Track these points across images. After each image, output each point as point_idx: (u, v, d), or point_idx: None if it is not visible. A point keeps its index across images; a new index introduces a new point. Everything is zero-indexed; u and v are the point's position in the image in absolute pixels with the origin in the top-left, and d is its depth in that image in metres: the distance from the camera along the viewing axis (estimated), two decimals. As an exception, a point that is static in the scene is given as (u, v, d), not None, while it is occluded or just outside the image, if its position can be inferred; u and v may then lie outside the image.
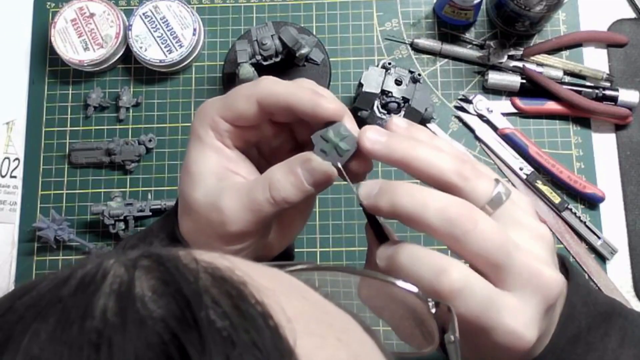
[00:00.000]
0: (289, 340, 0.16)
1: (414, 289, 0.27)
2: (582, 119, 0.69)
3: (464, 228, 0.29)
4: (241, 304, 0.16)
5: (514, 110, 0.69)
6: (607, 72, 0.70)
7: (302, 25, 0.72)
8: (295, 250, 0.51)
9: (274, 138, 0.37)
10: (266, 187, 0.33)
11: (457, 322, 0.28)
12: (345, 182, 0.33)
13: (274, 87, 0.33)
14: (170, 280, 0.16)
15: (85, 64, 0.70)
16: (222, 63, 0.71)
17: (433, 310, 0.28)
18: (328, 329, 0.18)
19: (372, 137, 0.32)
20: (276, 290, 0.18)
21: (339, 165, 0.33)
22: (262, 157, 0.38)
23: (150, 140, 0.69)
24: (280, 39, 0.65)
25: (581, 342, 0.33)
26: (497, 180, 0.32)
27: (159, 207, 0.67)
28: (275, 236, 0.38)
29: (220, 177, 0.34)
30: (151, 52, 0.69)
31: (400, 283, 0.28)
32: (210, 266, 0.17)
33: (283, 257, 0.41)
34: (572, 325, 0.33)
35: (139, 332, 0.15)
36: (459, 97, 0.70)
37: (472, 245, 0.29)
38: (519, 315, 0.29)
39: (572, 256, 0.66)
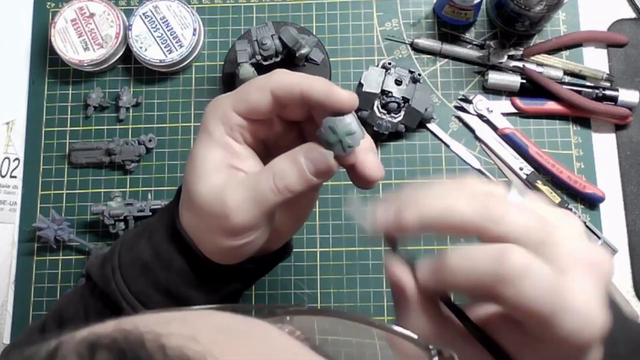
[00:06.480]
0: None
1: (414, 336, 0.25)
2: (582, 119, 0.69)
3: (500, 209, 0.27)
4: None
5: (514, 110, 0.69)
6: (607, 72, 0.70)
7: (302, 25, 0.72)
8: (296, 250, 0.51)
9: (282, 137, 0.37)
10: (270, 176, 0.33)
11: (519, 318, 0.26)
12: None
13: (287, 77, 0.34)
14: None
15: (85, 64, 0.70)
16: (222, 63, 0.71)
17: (435, 359, 0.25)
18: None
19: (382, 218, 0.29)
20: None
21: (343, 154, 0.33)
22: (269, 156, 0.38)
23: (150, 140, 0.69)
24: (280, 39, 0.65)
25: None
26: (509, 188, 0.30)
27: (159, 207, 0.67)
28: (277, 227, 0.38)
29: (225, 174, 0.35)
30: (151, 52, 0.69)
31: (398, 329, 0.25)
32: (177, 355, 0.16)
33: (282, 250, 0.42)
34: (614, 354, 0.31)
35: None
36: (459, 97, 0.70)
37: (511, 225, 0.27)
38: (583, 294, 0.26)
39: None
